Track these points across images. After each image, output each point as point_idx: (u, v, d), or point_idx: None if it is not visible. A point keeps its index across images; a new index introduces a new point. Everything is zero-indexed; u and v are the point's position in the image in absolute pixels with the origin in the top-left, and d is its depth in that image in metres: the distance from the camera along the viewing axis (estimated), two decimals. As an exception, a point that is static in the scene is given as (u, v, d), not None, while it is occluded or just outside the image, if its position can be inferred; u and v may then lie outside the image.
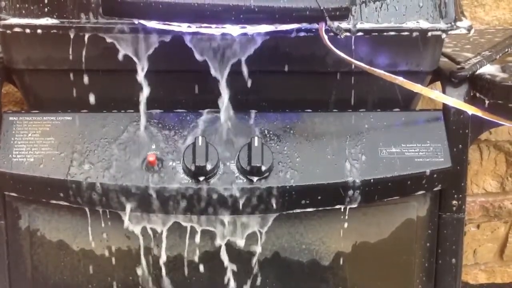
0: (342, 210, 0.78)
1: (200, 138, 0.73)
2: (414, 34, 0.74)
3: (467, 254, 1.41)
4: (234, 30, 0.70)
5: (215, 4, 0.63)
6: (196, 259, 0.81)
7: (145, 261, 0.81)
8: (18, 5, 0.72)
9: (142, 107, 0.76)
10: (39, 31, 0.71)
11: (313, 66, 0.78)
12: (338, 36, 0.70)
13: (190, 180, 0.74)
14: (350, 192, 0.76)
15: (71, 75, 0.76)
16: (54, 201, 0.76)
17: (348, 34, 0.72)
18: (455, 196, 0.82)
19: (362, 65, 0.72)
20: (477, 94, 0.79)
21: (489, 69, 0.81)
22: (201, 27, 0.68)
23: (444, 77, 0.82)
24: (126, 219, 0.77)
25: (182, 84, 0.77)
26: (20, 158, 0.75)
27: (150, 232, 0.79)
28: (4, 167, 0.74)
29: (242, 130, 0.78)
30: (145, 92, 0.75)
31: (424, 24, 0.74)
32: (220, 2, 0.63)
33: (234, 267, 0.81)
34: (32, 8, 0.72)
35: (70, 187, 0.74)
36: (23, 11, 0.72)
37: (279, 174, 0.75)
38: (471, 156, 1.29)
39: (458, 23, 0.76)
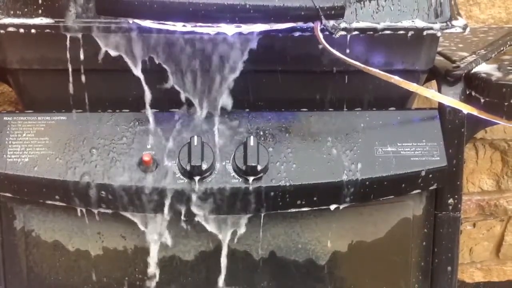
0: (338, 209, 0.78)
1: (195, 137, 0.73)
2: (410, 33, 0.74)
3: (463, 252, 1.41)
4: (229, 29, 0.70)
5: (210, 3, 0.63)
6: (192, 258, 0.81)
7: (141, 261, 0.81)
8: (12, 5, 0.72)
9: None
10: (33, 30, 0.71)
11: (309, 65, 0.78)
12: (334, 35, 0.70)
13: (186, 180, 0.74)
14: (346, 192, 0.76)
15: (66, 75, 0.76)
16: (49, 202, 0.76)
17: (343, 33, 0.72)
18: (451, 195, 0.83)
19: (358, 64, 0.72)
20: (473, 93, 0.79)
21: (485, 68, 0.81)
22: (195, 26, 0.68)
23: (440, 76, 0.82)
24: (121, 219, 0.77)
25: (176, 84, 0.77)
26: (15, 158, 0.74)
27: (145, 232, 0.79)
28: (-2, 168, 0.74)
29: (238, 129, 0.78)
30: (140, 92, 0.75)
31: (419, 23, 0.74)
32: (214, 1, 0.63)
33: (230, 267, 0.81)
34: (26, 7, 0.72)
35: (65, 187, 0.74)
36: (17, 11, 0.72)
37: (274, 173, 0.75)
38: (467, 154, 1.29)
39: (454, 22, 0.76)
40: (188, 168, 0.73)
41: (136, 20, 0.69)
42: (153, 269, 0.81)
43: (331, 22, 0.69)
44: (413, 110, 0.83)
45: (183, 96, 0.78)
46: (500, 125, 1.20)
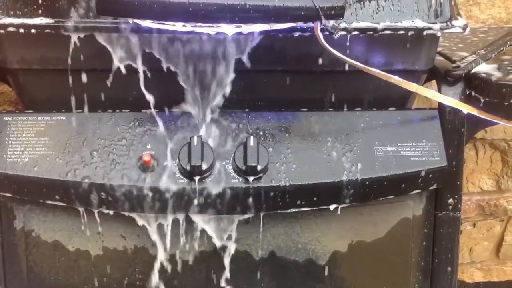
0: (338, 209, 0.78)
1: (195, 137, 0.73)
2: (410, 33, 0.74)
3: (463, 252, 1.41)
4: (229, 29, 0.70)
5: (210, 3, 0.63)
6: (192, 259, 0.81)
7: (141, 261, 0.81)
8: (12, 5, 0.72)
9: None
10: (33, 30, 0.71)
11: (309, 66, 0.78)
12: (334, 35, 0.70)
13: (186, 180, 0.74)
14: (346, 192, 0.76)
15: (66, 75, 0.76)
16: (49, 202, 0.76)
17: (343, 33, 0.72)
18: (451, 195, 0.83)
19: (358, 64, 0.72)
20: (473, 93, 0.79)
21: (485, 68, 0.81)
22: (196, 26, 0.68)
23: (440, 76, 0.82)
24: (121, 219, 0.77)
25: (176, 84, 0.77)
26: (15, 158, 0.74)
27: (145, 232, 0.79)
28: (-2, 168, 0.74)
29: (238, 129, 0.78)
30: (140, 92, 0.75)
31: (419, 23, 0.74)
32: (215, 1, 0.63)
33: (230, 267, 0.81)
34: (26, 7, 0.72)
35: (65, 187, 0.74)
36: (17, 11, 0.72)
37: (274, 173, 0.75)
38: (466, 154, 1.29)
39: (454, 22, 0.76)
40: (188, 168, 0.73)
41: (136, 20, 0.69)
42: (153, 269, 0.81)
43: (331, 22, 0.69)
44: (413, 110, 0.83)
45: (182, 96, 0.78)
46: (500, 125, 1.20)
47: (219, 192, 0.74)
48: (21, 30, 0.71)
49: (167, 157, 0.75)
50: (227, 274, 0.81)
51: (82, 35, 0.72)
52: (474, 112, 0.77)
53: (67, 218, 0.79)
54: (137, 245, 0.80)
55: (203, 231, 0.79)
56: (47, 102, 0.79)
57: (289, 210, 0.77)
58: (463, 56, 0.85)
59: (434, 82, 0.84)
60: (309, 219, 0.81)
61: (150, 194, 0.74)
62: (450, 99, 0.78)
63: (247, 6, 0.64)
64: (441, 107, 0.80)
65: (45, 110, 0.78)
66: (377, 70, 0.73)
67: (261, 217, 0.79)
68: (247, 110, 0.79)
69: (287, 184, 0.75)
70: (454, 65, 0.82)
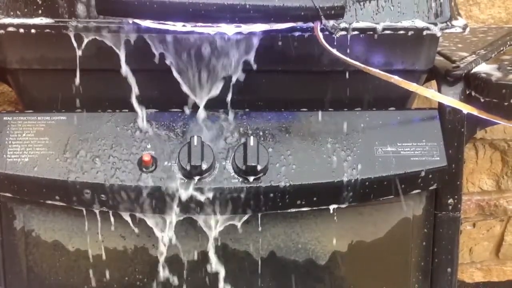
0: (338, 209, 0.78)
1: (195, 137, 0.73)
2: (410, 33, 0.74)
3: (463, 252, 1.41)
4: (229, 29, 0.70)
5: (210, 3, 0.63)
6: (192, 258, 0.81)
7: (141, 261, 0.81)
8: (12, 5, 0.72)
9: (139, 106, 0.76)
10: (33, 30, 0.71)
11: (309, 65, 0.78)
12: (333, 35, 0.70)
13: (186, 180, 0.74)
14: (346, 192, 0.76)
15: (66, 75, 0.76)
16: (49, 202, 0.76)
17: (343, 33, 0.72)
18: (451, 195, 0.83)
19: (358, 64, 0.72)
20: (473, 93, 0.79)
21: (485, 68, 0.81)
22: (195, 26, 0.68)
23: (440, 76, 0.82)
24: (121, 219, 0.77)
25: (176, 83, 0.77)
26: (15, 158, 0.74)
27: (145, 232, 0.79)
28: (-2, 168, 0.74)
29: (238, 129, 0.78)
30: (140, 91, 0.75)
31: (419, 23, 0.74)
32: (214, 1, 0.63)
33: (230, 267, 0.81)
34: (26, 7, 0.72)
35: (65, 187, 0.74)
36: (17, 11, 0.72)
37: (274, 173, 0.75)
38: (466, 154, 1.29)
39: (454, 22, 0.76)
40: (188, 168, 0.73)
41: (136, 20, 0.69)
42: (152, 269, 0.81)
43: (331, 22, 0.69)
44: (413, 110, 0.83)
45: (182, 96, 0.78)
46: (500, 125, 1.20)
47: (219, 192, 0.74)
48: (21, 30, 0.71)
49: (167, 157, 0.75)
50: (227, 274, 0.81)
51: (82, 35, 0.72)
52: (474, 112, 0.77)
53: (67, 218, 0.79)
54: (137, 245, 0.80)
55: (202, 231, 0.79)
56: (47, 102, 0.79)
57: (289, 210, 0.77)
58: (463, 56, 0.85)
59: (434, 82, 0.84)
60: (309, 219, 0.81)
61: (150, 194, 0.74)
62: (450, 99, 0.78)
63: (247, 6, 0.64)
64: (441, 107, 0.80)
65: (45, 110, 0.78)
66: (377, 70, 0.73)
67: (261, 217, 0.79)
68: (247, 110, 0.79)
69: (287, 184, 0.75)
70: (454, 65, 0.82)
